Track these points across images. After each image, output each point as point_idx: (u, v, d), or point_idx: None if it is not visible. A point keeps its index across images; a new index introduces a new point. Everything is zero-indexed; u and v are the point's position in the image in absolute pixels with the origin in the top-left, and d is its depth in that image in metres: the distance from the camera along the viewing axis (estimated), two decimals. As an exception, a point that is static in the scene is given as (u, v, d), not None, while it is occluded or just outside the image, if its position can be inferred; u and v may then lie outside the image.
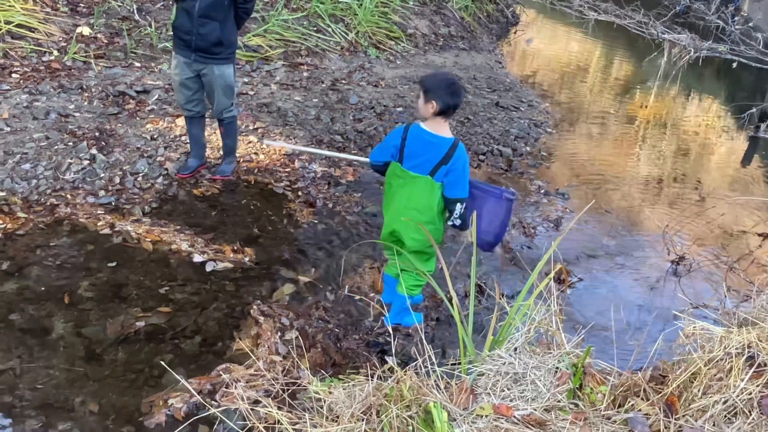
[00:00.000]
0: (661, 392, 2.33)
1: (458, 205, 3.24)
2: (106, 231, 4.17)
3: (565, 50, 11.16)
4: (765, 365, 2.20)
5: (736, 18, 9.79)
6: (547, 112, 7.71)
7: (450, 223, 3.32)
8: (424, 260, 3.47)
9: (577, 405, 2.33)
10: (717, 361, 2.29)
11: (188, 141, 4.98)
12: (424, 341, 2.54)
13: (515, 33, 11.49)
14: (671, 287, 4.61)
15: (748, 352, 2.28)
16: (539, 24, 12.63)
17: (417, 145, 3.20)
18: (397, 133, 3.28)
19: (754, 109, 7.92)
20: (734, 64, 8.27)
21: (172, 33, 4.55)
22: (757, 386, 2.16)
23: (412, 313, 3.48)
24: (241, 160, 5.26)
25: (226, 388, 2.97)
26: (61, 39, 6.37)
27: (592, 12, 9.60)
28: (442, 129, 3.19)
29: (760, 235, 5.53)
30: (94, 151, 4.88)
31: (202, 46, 4.34)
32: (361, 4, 8.50)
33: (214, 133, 5.28)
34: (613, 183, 6.26)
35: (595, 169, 6.51)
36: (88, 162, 4.77)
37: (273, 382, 2.90)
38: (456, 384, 2.39)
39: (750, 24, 9.36)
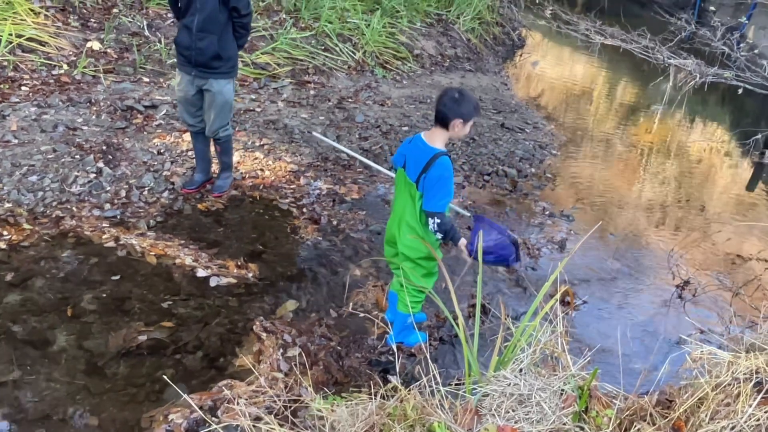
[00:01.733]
0: (667, 417, 2.30)
1: (430, 220, 3.21)
2: (111, 244, 4.17)
3: (570, 73, 11.21)
4: (773, 391, 2.18)
5: (741, 45, 9.83)
6: (552, 134, 7.73)
7: (437, 240, 3.31)
8: (421, 275, 3.45)
9: (582, 428, 2.30)
10: (724, 387, 2.27)
11: (195, 156, 4.99)
12: (429, 360, 2.52)
13: (521, 55, 11.56)
14: (676, 311, 4.58)
15: (756, 377, 2.25)
16: (545, 47, 12.71)
17: (413, 152, 3.27)
18: (407, 139, 3.38)
19: (759, 135, 7.93)
20: (740, 90, 8.29)
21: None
22: (765, 412, 2.14)
23: (416, 331, 3.45)
24: (247, 176, 5.27)
25: (227, 404, 2.94)
26: (71, 53, 6.42)
27: (598, 36, 9.66)
28: (436, 140, 3.23)
29: (765, 261, 5.50)
30: (100, 164, 4.89)
31: (201, 61, 4.36)
32: (368, 24, 8.57)
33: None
34: (617, 206, 6.25)
35: (600, 192, 6.51)
36: (94, 175, 4.78)
37: (275, 398, 2.88)
38: (460, 404, 2.36)
39: (755, 51, 9.38)
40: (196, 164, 4.99)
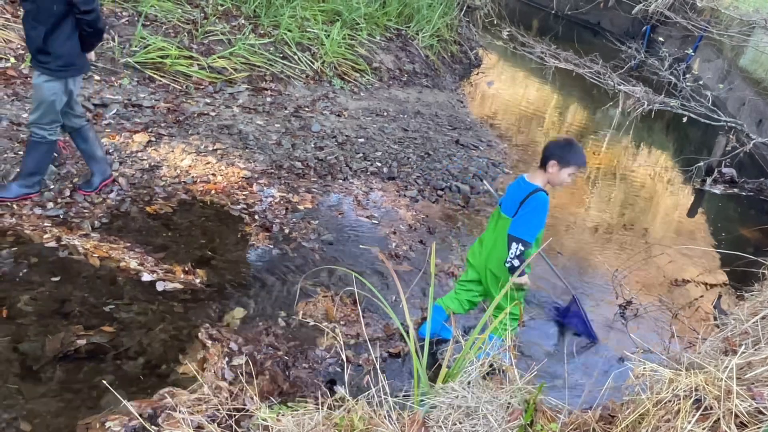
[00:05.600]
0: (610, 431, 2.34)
1: (513, 244, 3.36)
2: (52, 244, 4.02)
3: (524, 94, 11.45)
4: (711, 408, 2.24)
5: (687, 75, 10.22)
6: (505, 152, 7.86)
7: (506, 264, 3.43)
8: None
9: (527, 442, 2.32)
10: (665, 403, 2.32)
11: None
12: (378, 371, 2.51)
13: (477, 74, 11.74)
14: (619, 330, 4.68)
15: (696, 395, 2.31)
16: (501, 67, 12.95)
17: (513, 189, 3.56)
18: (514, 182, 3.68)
19: (701, 163, 8.23)
20: (684, 119, 8.60)
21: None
22: (704, 429, 2.19)
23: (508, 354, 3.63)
24: (198, 180, 5.17)
25: (169, 411, 2.86)
26: (19, 46, 6.21)
27: (552, 59, 9.89)
28: (536, 178, 3.49)
29: (704, 283, 5.69)
30: (45, 161, 4.72)
31: (31, 50, 4.05)
32: (328, 35, 8.57)
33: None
34: (565, 226, 6.38)
35: (549, 212, 6.61)
36: (38, 172, 4.61)
37: (219, 407, 2.81)
38: (408, 416, 2.35)
39: (700, 82, 9.77)
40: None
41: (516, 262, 3.34)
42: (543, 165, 3.47)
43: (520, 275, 3.40)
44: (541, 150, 3.52)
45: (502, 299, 3.57)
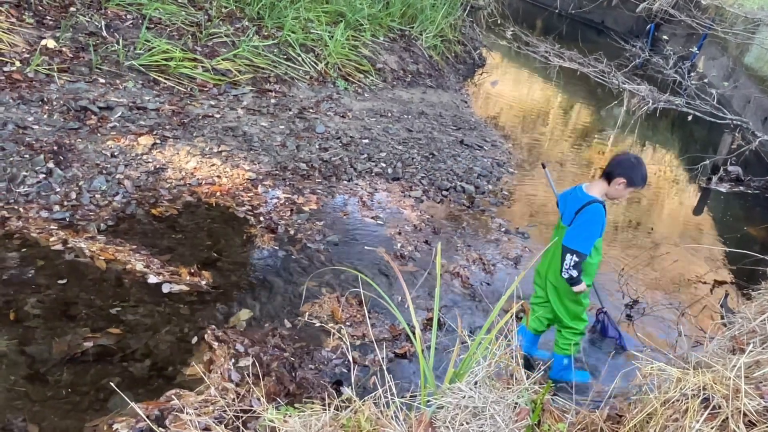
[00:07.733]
0: (617, 431, 2.33)
1: (567, 255, 3.41)
2: (58, 247, 4.04)
3: (528, 94, 11.43)
4: (719, 408, 2.23)
5: (691, 73, 10.19)
6: (509, 152, 7.84)
7: (563, 274, 3.47)
8: (570, 317, 3.73)
9: (535, 442, 2.31)
10: (673, 402, 2.31)
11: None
12: (384, 372, 2.50)
13: (481, 74, 11.72)
14: (626, 329, 4.66)
15: (703, 394, 2.30)
16: (505, 67, 12.93)
17: (570, 199, 3.58)
18: (568, 190, 3.68)
19: (707, 162, 8.20)
20: (689, 117, 8.57)
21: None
22: (712, 428, 2.18)
23: (573, 370, 3.69)
24: (203, 182, 5.18)
25: (176, 413, 2.86)
26: (24, 50, 6.23)
27: (557, 58, 9.87)
28: (594, 190, 3.49)
29: (711, 282, 5.67)
30: (51, 165, 4.75)
31: None
32: (332, 36, 8.58)
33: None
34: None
35: (554, 211, 6.59)
36: (44, 176, 4.64)
37: (225, 408, 2.82)
38: (415, 416, 2.35)
39: (705, 80, 9.74)
40: None
41: (573, 273, 3.42)
42: (609, 178, 3.44)
43: (578, 284, 3.47)
44: (607, 163, 3.50)
45: (564, 316, 3.70)
